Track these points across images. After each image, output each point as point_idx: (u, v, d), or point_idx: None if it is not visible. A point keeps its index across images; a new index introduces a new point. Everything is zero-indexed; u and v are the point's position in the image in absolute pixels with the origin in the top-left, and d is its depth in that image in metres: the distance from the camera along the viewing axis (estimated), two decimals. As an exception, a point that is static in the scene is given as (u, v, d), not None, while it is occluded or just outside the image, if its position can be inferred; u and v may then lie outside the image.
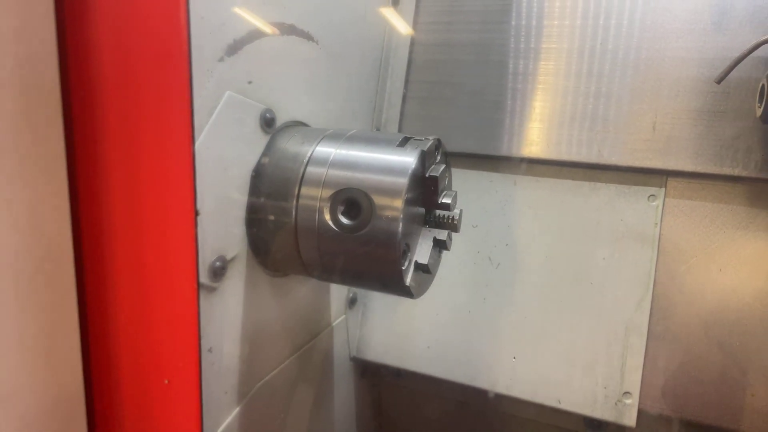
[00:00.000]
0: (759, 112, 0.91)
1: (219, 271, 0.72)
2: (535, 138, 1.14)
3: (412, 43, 1.22)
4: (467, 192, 1.18)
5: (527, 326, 1.14)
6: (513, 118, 1.15)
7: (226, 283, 0.74)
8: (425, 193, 0.78)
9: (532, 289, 1.14)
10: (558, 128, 1.12)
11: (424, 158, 0.76)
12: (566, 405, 1.10)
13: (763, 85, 0.88)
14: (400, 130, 1.22)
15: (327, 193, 0.76)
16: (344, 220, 0.75)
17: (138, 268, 0.62)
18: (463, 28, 1.19)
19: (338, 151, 0.79)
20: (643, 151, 1.07)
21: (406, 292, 0.78)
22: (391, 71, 1.21)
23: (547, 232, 1.14)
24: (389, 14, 1.19)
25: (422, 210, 0.80)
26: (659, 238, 1.07)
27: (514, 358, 1.15)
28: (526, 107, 1.15)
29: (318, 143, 0.80)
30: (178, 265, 0.60)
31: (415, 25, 1.22)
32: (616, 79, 1.09)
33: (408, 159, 0.75)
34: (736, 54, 0.94)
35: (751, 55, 0.93)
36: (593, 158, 1.10)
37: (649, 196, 1.08)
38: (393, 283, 0.76)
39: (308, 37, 0.89)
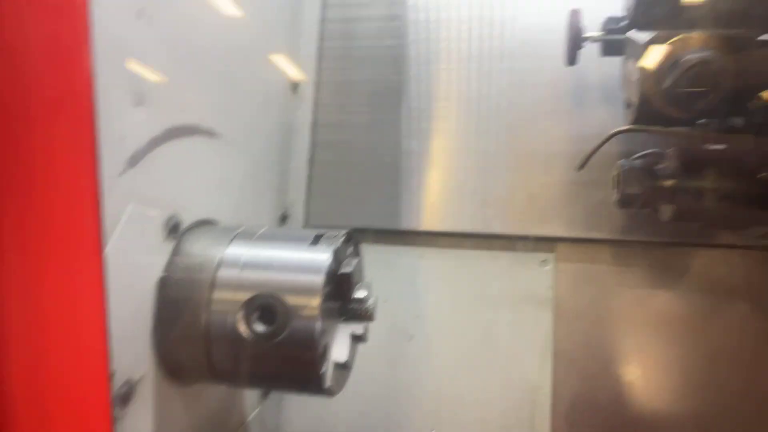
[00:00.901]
0: (615, 197, 0.98)
1: (126, 397, 0.67)
2: (434, 212, 1.20)
3: (315, 124, 1.24)
4: (376, 267, 1.20)
5: (443, 395, 1.17)
6: (411, 193, 1.21)
7: (134, 407, 0.69)
8: (340, 288, 0.79)
9: (445, 359, 1.18)
10: (453, 202, 1.19)
11: (338, 256, 0.77)
12: (485, 470, 1.13)
13: (617, 174, 0.96)
14: (306, 210, 1.23)
15: (240, 298, 0.74)
16: (260, 326, 0.73)
17: (41, 408, 0.56)
18: (357, 110, 1.25)
19: (250, 251, 0.78)
20: (522, 221, 1.15)
21: (327, 393, 0.77)
22: (295, 154, 1.23)
23: (455, 302, 1.19)
24: (290, 99, 1.21)
25: (337, 306, 0.81)
26: (554, 299, 1.16)
27: (433, 430, 1.16)
28: (422, 183, 1.21)
29: (228, 245, 0.79)
30: (88, 399, 0.55)
31: (315, 107, 1.25)
32: (499, 155, 1.18)
33: (322, 257, 0.76)
34: (596, 130, 1.07)
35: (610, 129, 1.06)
36: (484, 228, 1.17)
37: (540, 262, 1.17)
38: (313, 387, 0.75)
39: (211, 133, 0.88)
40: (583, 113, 1.15)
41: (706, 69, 0.60)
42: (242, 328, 0.73)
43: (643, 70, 0.68)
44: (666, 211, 0.82)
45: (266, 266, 0.76)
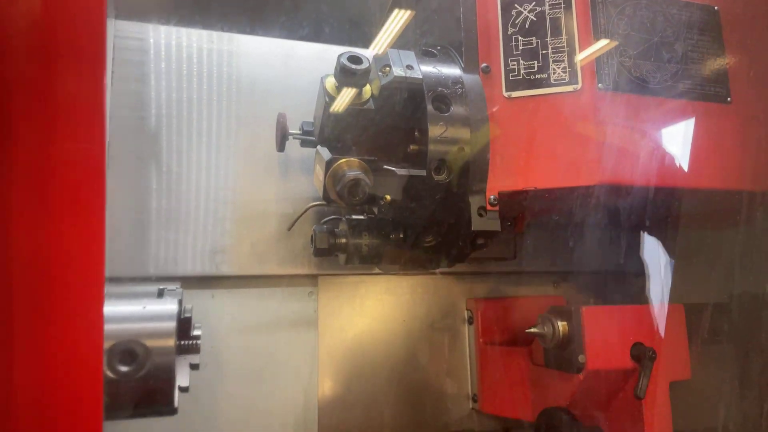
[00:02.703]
0: (312, 250, 1.36)
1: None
2: (213, 258, 1.45)
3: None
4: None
5: (235, 408, 1.43)
6: (192, 243, 1.44)
7: None
8: (182, 329, 1.01)
9: (235, 378, 1.44)
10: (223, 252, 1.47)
11: (181, 304, 1.00)
12: (271, 462, 1.43)
13: (312, 235, 1.36)
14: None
15: (104, 346, 0.90)
16: (122, 367, 0.90)
17: None
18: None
19: (105, 308, 0.93)
20: (245, 264, 1.48)
21: (173, 412, 0.98)
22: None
23: (243, 331, 1.46)
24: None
25: (179, 343, 1.02)
26: (318, 321, 1.55)
27: (228, 439, 1.41)
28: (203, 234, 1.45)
29: (78, 304, 0.93)
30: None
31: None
32: (227, 213, 1.48)
33: (171, 307, 0.97)
34: (298, 194, 1.51)
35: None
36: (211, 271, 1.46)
37: (308, 293, 1.55)
38: (165, 410, 0.96)
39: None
40: (289, 181, 1.55)
41: (357, 184, 1.08)
42: (106, 369, 0.89)
43: (325, 176, 1.15)
44: (341, 258, 1.34)
45: (123, 318, 0.93)
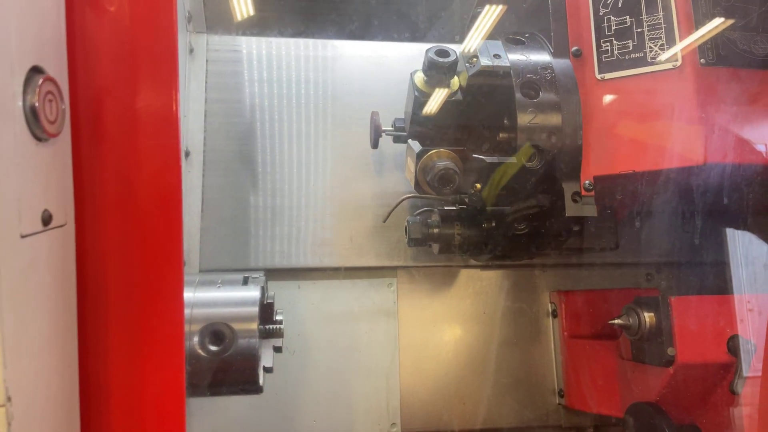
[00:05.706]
0: (406, 240, 1.39)
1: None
2: (299, 251, 1.54)
3: (204, 185, 1.51)
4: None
5: (320, 393, 1.51)
6: (280, 239, 1.53)
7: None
8: (265, 314, 1.10)
9: (320, 364, 1.52)
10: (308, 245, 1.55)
11: (264, 291, 1.08)
12: (353, 445, 1.49)
13: (406, 226, 1.39)
14: (201, 256, 1.47)
15: (195, 328, 1.00)
16: (212, 347, 1.00)
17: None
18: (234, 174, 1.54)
19: (196, 294, 1.04)
20: (346, 256, 1.54)
21: (260, 391, 1.07)
22: (187, 209, 1.47)
23: (326, 320, 1.54)
24: (183, 164, 1.45)
25: (262, 327, 1.11)
26: (398, 311, 1.59)
27: (314, 420, 1.49)
28: (293, 229, 1.55)
29: (174, 290, 1.04)
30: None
31: (204, 171, 1.51)
32: (326, 210, 1.56)
33: (254, 294, 1.06)
34: (391, 189, 1.54)
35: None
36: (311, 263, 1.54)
37: (387, 284, 1.60)
38: (251, 388, 1.04)
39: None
40: (383, 177, 1.59)
41: (446, 173, 1.12)
42: (197, 348, 0.99)
43: (416, 167, 1.18)
44: (435, 248, 1.36)
45: (212, 303, 1.03)
